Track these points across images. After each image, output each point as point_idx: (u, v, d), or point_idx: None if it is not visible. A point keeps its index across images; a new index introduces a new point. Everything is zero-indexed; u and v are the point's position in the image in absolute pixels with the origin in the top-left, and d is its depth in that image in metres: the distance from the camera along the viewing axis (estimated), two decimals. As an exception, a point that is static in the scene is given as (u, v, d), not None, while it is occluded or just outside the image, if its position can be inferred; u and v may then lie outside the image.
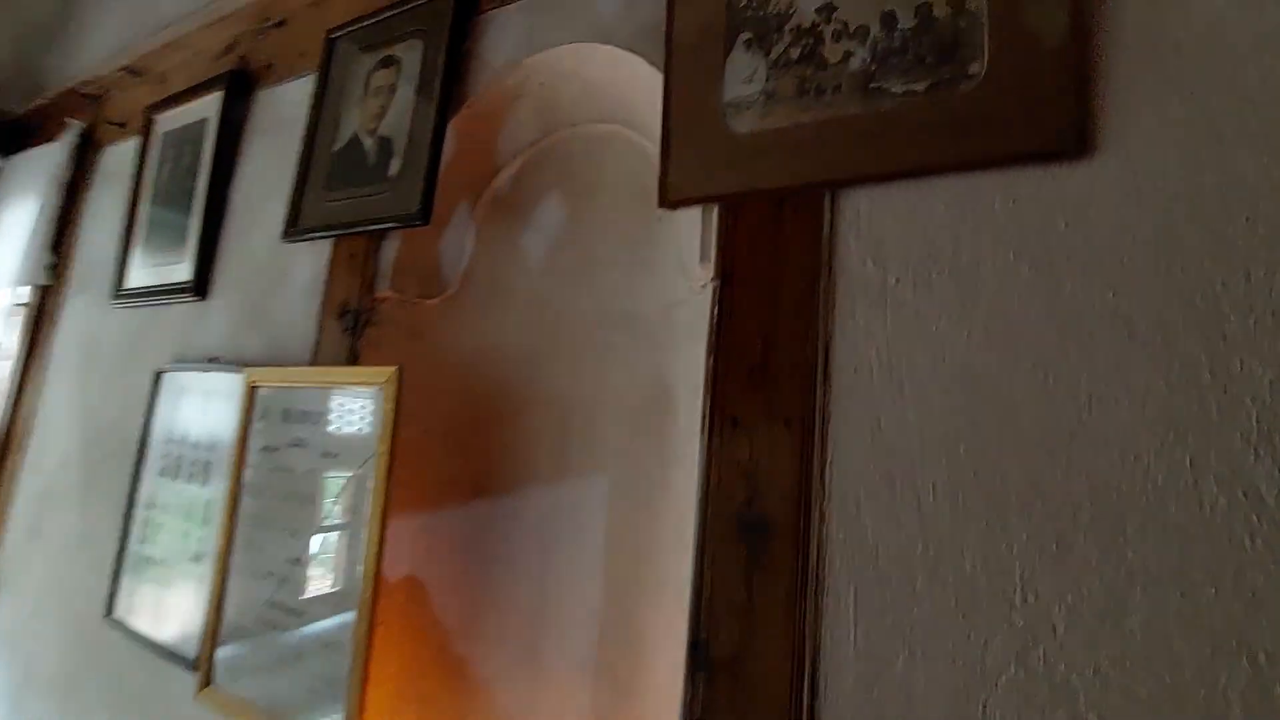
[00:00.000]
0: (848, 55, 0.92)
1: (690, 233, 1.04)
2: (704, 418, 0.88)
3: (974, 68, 0.84)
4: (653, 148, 1.16)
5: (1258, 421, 0.64)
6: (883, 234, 0.85)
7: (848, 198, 0.88)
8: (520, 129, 1.34)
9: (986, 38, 0.83)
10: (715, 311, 0.91)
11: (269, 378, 1.31)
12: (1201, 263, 0.69)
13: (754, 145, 0.95)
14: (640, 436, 1.10)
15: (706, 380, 0.89)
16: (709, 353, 0.90)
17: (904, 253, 0.83)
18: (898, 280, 0.82)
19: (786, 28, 0.97)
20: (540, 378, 1.25)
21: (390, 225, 1.29)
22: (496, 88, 1.28)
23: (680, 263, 1.10)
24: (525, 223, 1.35)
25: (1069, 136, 0.77)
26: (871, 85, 0.89)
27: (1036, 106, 0.79)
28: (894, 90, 0.88)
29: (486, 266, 1.36)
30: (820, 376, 0.83)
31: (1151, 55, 0.75)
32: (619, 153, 1.27)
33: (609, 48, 1.14)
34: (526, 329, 1.29)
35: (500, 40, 1.28)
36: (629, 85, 1.17)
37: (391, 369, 1.11)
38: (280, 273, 1.46)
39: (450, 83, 1.30)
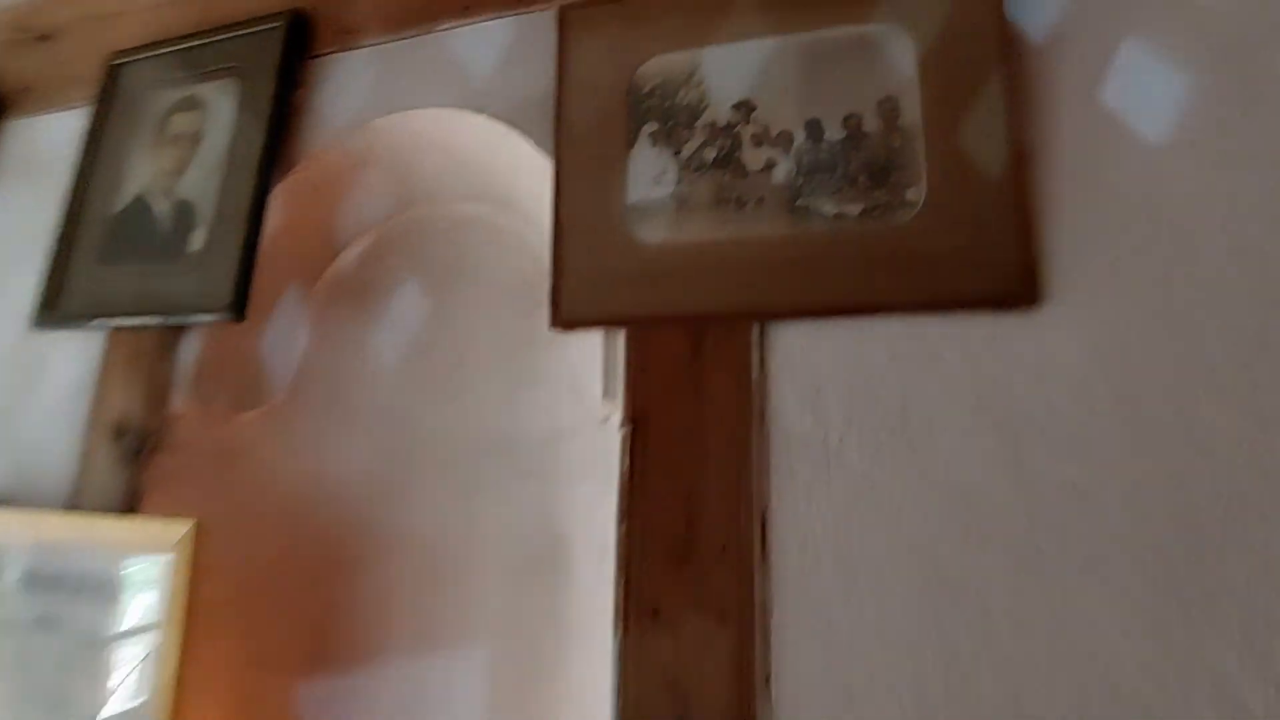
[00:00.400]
0: (770, 164, 0.80)
1: (586, 351, 0.87)
2: (616, 607, 0.71)
3: (911, 194, 0.75)
4: (536, 237, 0.98)
5: (1239, 625, 0.58)
6: (821, 379, 0.73)
7: (779, 333, 0.76)
8: (368, 200, 1.11)
9: (924, 161, 0.75)
10: (626, 466, 0.75)
11: (7, 528, 0.96)
12: (1167, 439, 0.63)
13: (666, 260, 0.81)
14: (527, 598, 0.90)
15: (618, 556, 0.72)
16: (620, 519, 0.73)
17: (846, 404, 0.71)
18: (841, 439, 0.71)
19: (699, 124, 0.84)
20: (395, 516, 1.01)
21: (191, 317, 1.00)
22: (336, 150, 1.05)
23: (573, 384, 0.92)
24: (375, 317, 1.10)
25: (1017, 281, 0.70)
26: (799, 203, 0.78)
27: (981, 244, 0.71)
28: (824, 211, 0.77)
29: (325, 370, 1.10)
30: (759, 557, 0.69)
31: (1093, 197, 0.70)
32: (494, 239, 1.07)
33: (481, 118, 0.95)
34: (377, 452, 1.04)
35: (341, 91, 1.06)
36: (507, 165, 0.98)
37: (185, 526, 0.84)
38: (29, 371, 1.10)
39: (275, 138, 1.05)
